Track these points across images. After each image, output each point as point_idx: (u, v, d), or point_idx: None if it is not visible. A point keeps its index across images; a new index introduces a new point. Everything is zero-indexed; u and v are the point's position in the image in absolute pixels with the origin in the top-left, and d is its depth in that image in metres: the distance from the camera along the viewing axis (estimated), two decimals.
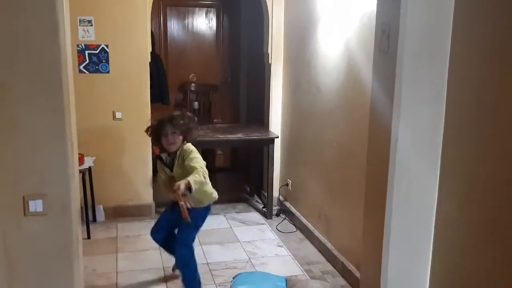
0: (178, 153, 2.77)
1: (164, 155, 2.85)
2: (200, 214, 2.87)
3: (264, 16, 4.45)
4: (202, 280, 3.01)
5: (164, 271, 3.22)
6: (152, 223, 4.02)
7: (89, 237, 3.71)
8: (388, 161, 2.06)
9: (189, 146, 2.80)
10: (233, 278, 3.00)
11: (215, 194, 2.93)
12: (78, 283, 2.22)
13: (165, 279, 3.12)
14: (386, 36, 2.02)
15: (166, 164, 2.84)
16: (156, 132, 2.79)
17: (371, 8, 2.72)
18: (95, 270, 3.20)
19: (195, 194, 2.60)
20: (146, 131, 2.87)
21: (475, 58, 1.88)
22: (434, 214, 2.12)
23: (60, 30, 1.92)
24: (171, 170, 2.80)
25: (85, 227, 3.66)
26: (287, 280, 2.91)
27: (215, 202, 4.02)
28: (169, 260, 3.37)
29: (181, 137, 2.77)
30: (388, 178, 2.07)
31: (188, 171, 2.64)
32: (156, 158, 2.93)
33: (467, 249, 1.96)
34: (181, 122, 2.77)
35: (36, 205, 1.98)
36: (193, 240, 2.89)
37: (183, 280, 2.87)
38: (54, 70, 1.93)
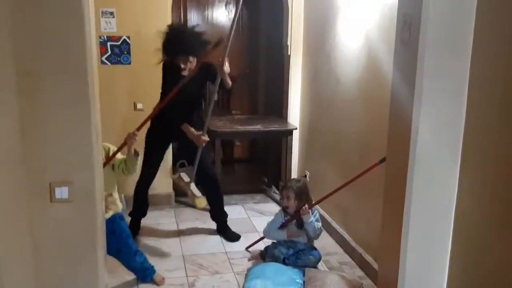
0: None
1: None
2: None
3: (283, 7, 4.45)
4: (221, 269, 3.11)
5: (183, 259, 3.27)
6: (171, 212, 4.13)
7: None
8: (408, 153, 2.06)
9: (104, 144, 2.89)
10: (248, 270, 3.04)
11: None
12: (102, 269, 2.28)
13: (185, 267, 3.17)
14: (408, 26, 2.01)
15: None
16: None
17: None
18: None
19: None
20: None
21: (498, 49, 1.86)
22: (454, 206, 2.11)
23: (85, 22, 1.96)
24: None
25: None
26: (303, 272, 2.94)
27: (232, 192, 4.08)
28: (189, 248, 3.44)
29: None
30: (408, 170, 2.07)
31: None
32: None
33: (487, 243, 1.95)
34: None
35: (62, 192, 2.04)
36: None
37: None
38: (80, 61, 1.98)
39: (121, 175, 2.90)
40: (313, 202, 3.23)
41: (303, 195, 3.20)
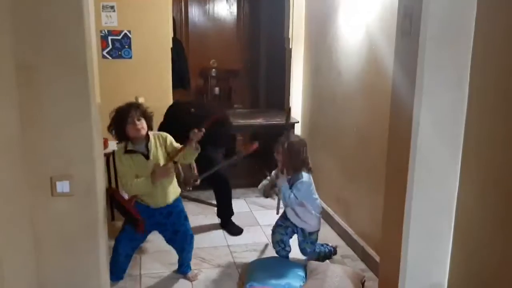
0: (151, 140, 2.69)
1: (131, 147, 2.68)
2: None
3: (285, 0, 4.42)
4: (223, 263, 3.13)
5: None
6: None
7: (113, 219, 3.80)
8: (409, 146, 2.05)
9: (159, 132, 2.82)
10: (249, 264, 3.04)
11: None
12: (103, 261, 2.30)
13: None
14: (409, 18, 2.00)
15: (143, 153, 2.67)
16: (120, 120, 2.62)
17: None
18: None
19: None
20: (109, 128, 2.68)
21: (500, 41, 1.84)
22: (455, 199, 2.11)
23: (84, 16, 1.96)
24: (147, 158, 2.67)
25: (109, 210, 3.74)
26: (305, 267, 2.95)
27: (234, 186, 4.09)
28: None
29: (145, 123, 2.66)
30: (409, 163, 2.07)
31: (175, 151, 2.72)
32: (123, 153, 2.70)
33: (488, 235, 1.94)
34: (144, 108, 2.70)
35: (63, 186, 2.05)
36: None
37: None
38: (79, 55, 1.98)
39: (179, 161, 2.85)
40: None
41: (293, 152, 2.92)
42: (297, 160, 2.95)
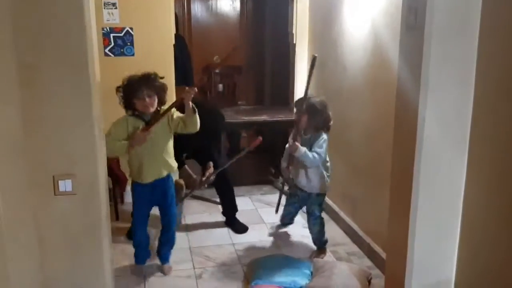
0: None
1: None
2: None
3: None
4: (228, 261, 3.11)
5: (190, 251, 3.27)
6: (178, 204, 4.10)
7: (117, 218, 3.79)
8: (415, 141, 2.02)
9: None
10: (252, 261, 3.02)
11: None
12: (107, 261, 2.29)
13: (192, 259, 3.17)
14: (414, 11, 1.96)
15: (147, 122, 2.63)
16: (129, 91, 2.58)
17: None
18: (123, 250, 3.27)
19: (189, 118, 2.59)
20: (117, 90, 2.64)
21: (506, 35, 1.81)
22: (462, 195, 2.08)
23: (85, 13, 1.94)
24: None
25: (113, 209, 3.73)
26: (312, 263, 2.92)
27: (239, 183, 4.08)
28: (196, 240, 3.43)
29: (156, 98, 2.59)
30: (415, 159, 2.04)
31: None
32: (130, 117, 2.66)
33: (496, 233, 1.92)
34: (159, 84, 2.62)
35: (65, 185, 2.04)
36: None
37: None
38: (80, 53, 1.97)
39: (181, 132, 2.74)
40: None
41: (313, 113, 2.93)
42: (318, 120, 2.97)
